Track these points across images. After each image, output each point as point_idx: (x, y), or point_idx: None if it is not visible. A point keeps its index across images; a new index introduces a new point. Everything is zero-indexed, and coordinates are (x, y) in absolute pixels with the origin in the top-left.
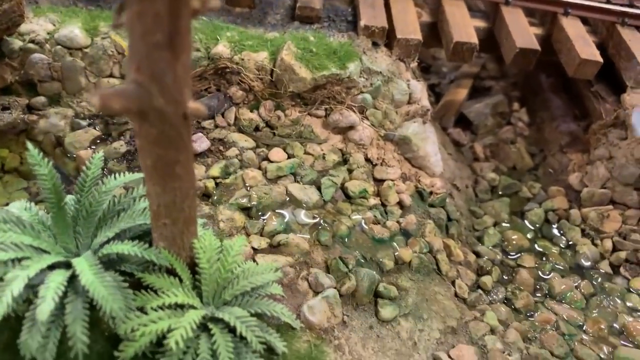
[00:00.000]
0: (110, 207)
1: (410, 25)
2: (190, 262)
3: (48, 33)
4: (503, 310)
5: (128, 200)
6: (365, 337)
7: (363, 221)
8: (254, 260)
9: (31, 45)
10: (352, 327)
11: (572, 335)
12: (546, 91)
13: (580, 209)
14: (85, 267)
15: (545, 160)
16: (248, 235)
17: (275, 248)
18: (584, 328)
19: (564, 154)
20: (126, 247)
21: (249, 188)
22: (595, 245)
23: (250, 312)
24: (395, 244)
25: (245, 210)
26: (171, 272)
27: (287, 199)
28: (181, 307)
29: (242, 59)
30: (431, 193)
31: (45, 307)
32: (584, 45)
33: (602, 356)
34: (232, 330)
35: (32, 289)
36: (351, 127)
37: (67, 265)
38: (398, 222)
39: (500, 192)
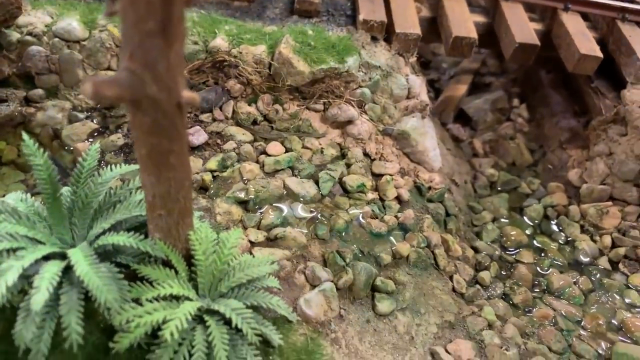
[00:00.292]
0: (106, 199)
1: (409, 19)
2: (186, 254)
3: (46, 25)
4: (501, 305)
5: (124, 192)
6: (362, 331)
7: (361, 215)
8: (251, 254)
9: (29, 38)
10: (349, 321)
11: (570, 331)
12: (546, 87)
13: (580, 205)
14: (80, 258)
15: (545, 156)
16: (245, 228)
17: (272, 241)
18: (582, 324)
19: (564, 150)
20: (122, 239)
21: (246, 181)
22: (594, 241)
23: (246, 305)
24: (392, 238)
25: (243, 203)
26: (167, 263)
27: (285, 192)
28: (177, 298)
29: (240, 53)
30: (429, 188)
31: (39, 297)
32: (584, 41)
33: (600, 352)
34: (227, 322)
35: (27, 279)
36: (350, 122)
37: (63, 256)
38: (396, 216)
39: (499, 188)
